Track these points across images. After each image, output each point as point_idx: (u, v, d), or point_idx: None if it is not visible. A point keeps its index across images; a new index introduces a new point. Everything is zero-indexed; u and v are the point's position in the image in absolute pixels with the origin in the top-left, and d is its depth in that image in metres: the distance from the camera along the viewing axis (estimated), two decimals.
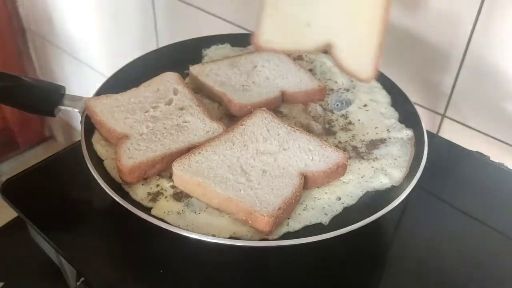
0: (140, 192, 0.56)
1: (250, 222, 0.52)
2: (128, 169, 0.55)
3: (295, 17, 0.66)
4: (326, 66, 0.78)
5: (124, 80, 0.70)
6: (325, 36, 0.65)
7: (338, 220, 0.55)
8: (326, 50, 0.66)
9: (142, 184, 0.57)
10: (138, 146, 0.58)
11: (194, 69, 0.72)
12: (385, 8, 0.60)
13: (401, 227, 0.66)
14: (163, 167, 0.58)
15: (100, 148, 0.61)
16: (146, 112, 0.63)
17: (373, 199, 0.58)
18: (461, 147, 0.78)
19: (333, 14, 0.64)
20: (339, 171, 0.58)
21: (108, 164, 0.59)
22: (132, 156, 0.57)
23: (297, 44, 0.68)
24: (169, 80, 0.68)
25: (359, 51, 0.64)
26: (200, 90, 0.71)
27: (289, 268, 0.58)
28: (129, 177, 0.56)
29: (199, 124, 0.62)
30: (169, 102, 0.65)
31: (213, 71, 0.72)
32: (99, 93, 0.67)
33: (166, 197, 0.56)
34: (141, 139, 0.59)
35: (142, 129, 0.61)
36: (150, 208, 0.55)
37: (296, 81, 0.72)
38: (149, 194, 0.56)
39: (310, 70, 0.77)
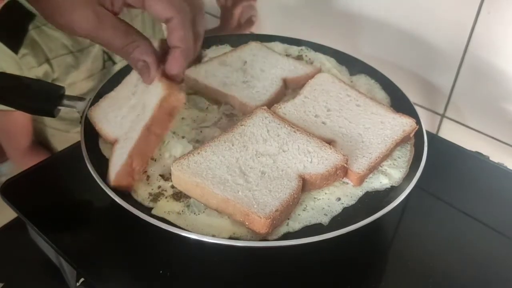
0: (141, 193, 0.56)
1: (247, 223, 0.52)
2: (116, 181, 0.54)
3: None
4: (326, 67, 0.78)
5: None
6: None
7: (338, 221, 0.55)
8: None
9: (145, 184, 0.57)
10: (122, 146, 0.57)
11: (191, 72, 0.72)
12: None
13: (401, 227, 0.66)
14: (139, 163, 0.55)
15: (107, 149, 0.61)
16: (130, 101, 0.61)
17: (373, 200, 0.58)
18: (461, 147, 0.78)
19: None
20: (338, 173, 0.58)
21: None
22: (117, 162, 0.55)
23: None
24: None
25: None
26: (199, 92, 0.71)
27: (289, 268, 0.58)
28: (124, 184, 0.55)
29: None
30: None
31: (209, 72, 0.72)
32: (99, 93, 0.67)
33: (166, 197, 0.56)
34: (124, 137, 0.57)
35: (126, 125, 0.58)
36: (151, 208, 0.55)
37: (291, 68, 0.74)
38: (150, 194, 0.56)
39: None
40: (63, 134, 1.17)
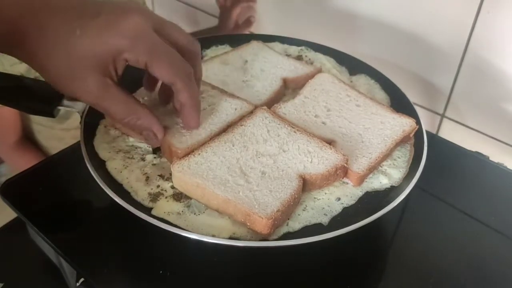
0: (141, 193, 0.56)
1: (248, 224, 0.52)
2: (184, 151, 0.57)
3: None
4: (326, 67, 0.78)
5: (125, 81, 0.70)
6: None
7: (338, 221, 0.55)
8: None
9: (144, 184, 0.57)
10: (181, 133, 0.59)
11: None
12: None
13: (401, 227, 0.66)
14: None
15: (102, 150, 0.61)
16: (168, 105, 0.64)
17: (373, 200, 0.58)
18: (461, 147, 0.79)
19: None
20: (338, 173, 0.58)
21: (110, 165, 0.59)
22: (181, 141, 0.58)
23: None
24: None
25: None
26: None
27: (289, 268, 0.58)
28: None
29: (224, 104, 0.64)
30: None
31: (209, 70, 0.72)
32: None
33: (166, 197, 0.56)
34: (180, 127, 0.60)
35: (175, 120, 0.61)
36: (151, 209, 0.55)
37: (291, 68, 0.75)
38: (149, 194, 0.56)
39: None
40: (48, 130, 1.17)
